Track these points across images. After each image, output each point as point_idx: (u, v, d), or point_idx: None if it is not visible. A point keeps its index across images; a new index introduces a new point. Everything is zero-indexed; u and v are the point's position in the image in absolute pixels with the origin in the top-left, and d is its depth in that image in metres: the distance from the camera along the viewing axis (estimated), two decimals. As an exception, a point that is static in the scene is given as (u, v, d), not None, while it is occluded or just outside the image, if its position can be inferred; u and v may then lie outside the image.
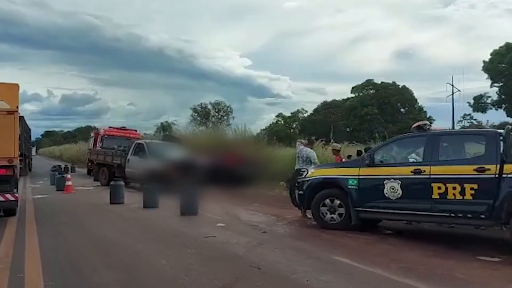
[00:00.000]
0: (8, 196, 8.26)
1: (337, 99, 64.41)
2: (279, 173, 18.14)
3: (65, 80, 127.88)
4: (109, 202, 11.22)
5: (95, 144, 25.12)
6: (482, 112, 49.98)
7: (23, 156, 15.21)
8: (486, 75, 46.24)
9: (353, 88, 63.30)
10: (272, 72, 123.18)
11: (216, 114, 63.41)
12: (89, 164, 25.82)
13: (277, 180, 18.04)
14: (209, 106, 63.38)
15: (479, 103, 50.07)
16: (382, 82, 61.60)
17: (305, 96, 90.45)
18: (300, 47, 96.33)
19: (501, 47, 44.28)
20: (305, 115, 66.85)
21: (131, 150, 16.51)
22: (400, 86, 60.88)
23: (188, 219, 8.71)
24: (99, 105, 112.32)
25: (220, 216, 9.09)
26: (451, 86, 46.87)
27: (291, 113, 67.87)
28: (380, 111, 58.90)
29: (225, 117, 62.38)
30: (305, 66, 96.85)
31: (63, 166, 25.66)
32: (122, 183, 11.51)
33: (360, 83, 61.64)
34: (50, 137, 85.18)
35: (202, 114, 62.02)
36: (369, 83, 62.10)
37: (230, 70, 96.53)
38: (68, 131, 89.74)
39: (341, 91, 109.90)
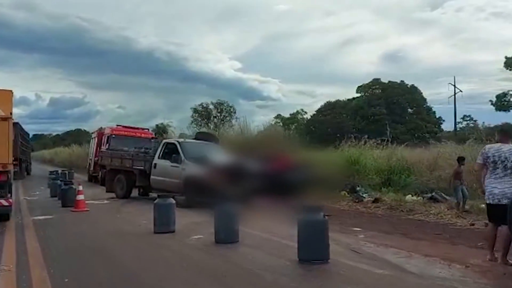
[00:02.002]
0: (3, 201, 8.28)
1: (340, 99, 61.58)
2: (329, 178, 14.67)
3: (53, 83, 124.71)
4: (152, 231, 7.40)
5: (98, 145, 21.41)
6: (505, 111, 47.29)
7: (18, 160, 14.81)
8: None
9: (358, 87, 60.73)
10: (262, 74, 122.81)
11: (219, 114, 59.97)
12: (91, 169, 22.08)
13: (333, 188, 14.52)
14: (211, 106, 59.95)
15: (502, 102, 47.34)
16: (389, 81, 58.84)
17: (295, 98, 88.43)
18: (290, 49, 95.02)
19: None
20: (305, 116, 64.14)
21: (158, 152, 12.69)
22: (408, 85, 58.11)
23: (327, 275, 4.91)
24: (88, 108, 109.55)
25: (370, 265, 5.30)
26: (453, 87, 45.09)
27: (290, 114, 64.94)
28: (388, 111, 56.06)
29: (227, 118, 59.02)
30: (295, 69, 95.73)
31: (59, 171, 21.67)
32: (173, 201, 7.64)
33: (366, 82, 59.03)
34: (39, 140, 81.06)
35: (203, 115, 58.53)
36: (375, 82, 59.30)
37: (220, 73, 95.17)
38: (57, 134, 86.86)
39: (331, 94, 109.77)
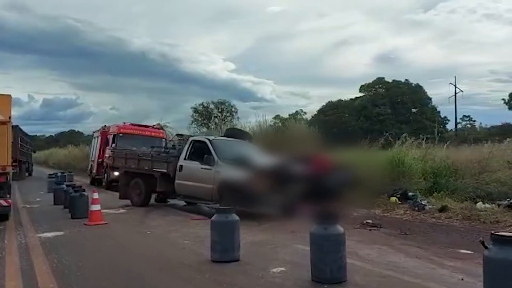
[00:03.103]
0: (2, 202, 8.58)
1: (342, 98, 60.43)
2: (373, 182, 12.75)
3: (46, 84, 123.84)
4: (205, 256, 5.42)
5: (101, 146, 19.41)
6: (517, 110, 46.49)
7: (17, 162, 15.51)
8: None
9: (361, 86, 59.67)
10: (256, 76, 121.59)
11: (219, 114, 58.16)
12: (93, 172, 20.04)
13: (380, 194, 12.61)
14: (212, 106, 58.16)
15: (514, 100, 46.44)
16: (393, 80, 57.59)
17: (289, 100, 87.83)
18: (283, 51, 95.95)
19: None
20: (304, 117, 63.11)
21: (184, 152, 10.69)
22: (413, 85, 56.81)
23: None
24: (81, 110, 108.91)
25: None
26: (454, 88, 44.63)
27: (289, 115, 63.68)
28: (392, 111, 54.67)
29: (229, 117, 57.31)
30: (289, 70, 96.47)
31: (59, 174, 19.54)
32: (236, 217, 5.64)
33: (369, 82, 57.94)
34: (33, 142, 79.59)
35: (204, 114, 56.69)
36: (379, 81, 57.97)
37: (214, 74, 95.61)
38: (51, 135, 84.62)
39: (325, 95, 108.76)
